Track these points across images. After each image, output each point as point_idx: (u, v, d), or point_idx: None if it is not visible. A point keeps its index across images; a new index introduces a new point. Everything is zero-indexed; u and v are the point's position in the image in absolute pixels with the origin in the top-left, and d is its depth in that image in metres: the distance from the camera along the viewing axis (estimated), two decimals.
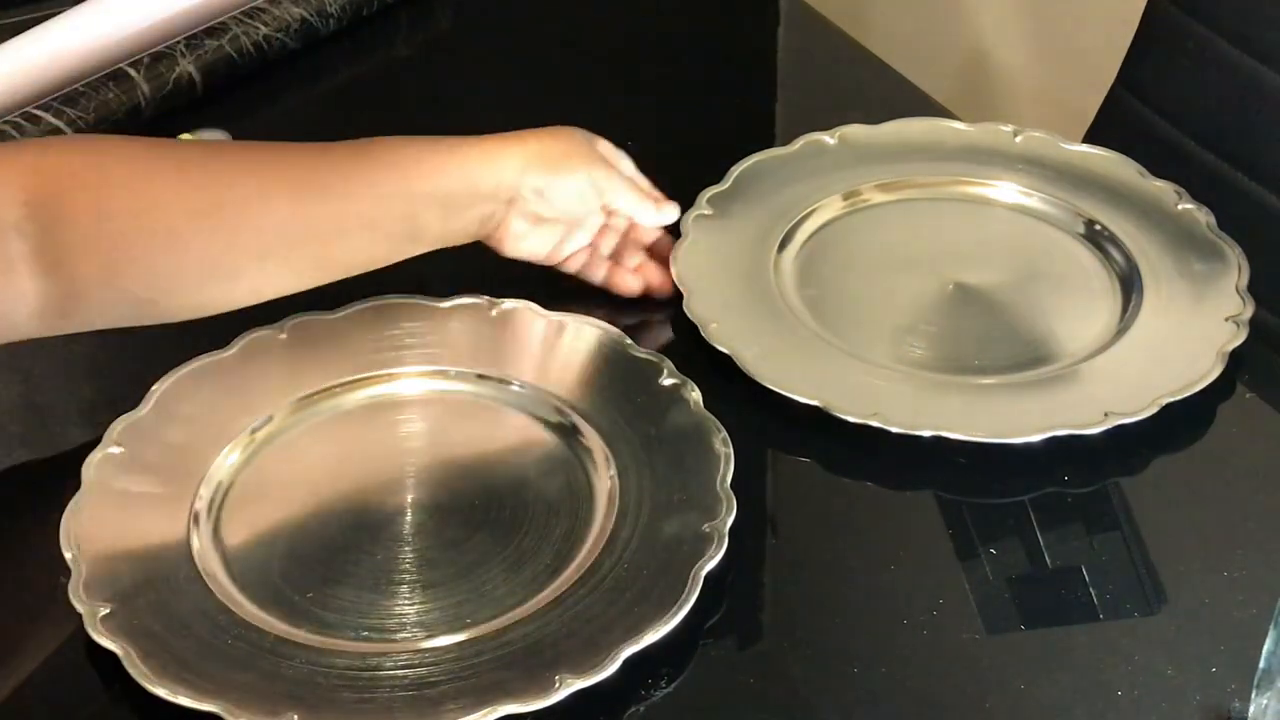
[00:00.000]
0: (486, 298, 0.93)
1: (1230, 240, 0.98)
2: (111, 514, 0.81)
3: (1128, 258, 0.97)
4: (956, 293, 0.96)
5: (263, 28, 1.16)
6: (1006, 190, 1.03)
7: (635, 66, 1.22)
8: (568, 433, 0.86)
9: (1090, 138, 1.27)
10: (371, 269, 0.87)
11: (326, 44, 1.20)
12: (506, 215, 0.89)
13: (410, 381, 0.90)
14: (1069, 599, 0.80)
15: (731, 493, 0.80)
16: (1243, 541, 0.82)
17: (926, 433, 0.84)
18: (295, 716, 0.70)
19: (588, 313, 0.92)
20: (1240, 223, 1.14)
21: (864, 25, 1.36)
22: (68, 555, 0.78)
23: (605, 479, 0.83)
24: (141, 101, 1.10)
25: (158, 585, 0.77)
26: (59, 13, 1.11)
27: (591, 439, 0.86)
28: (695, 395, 0.86)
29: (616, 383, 0.88)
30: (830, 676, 0.76)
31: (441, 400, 0.89)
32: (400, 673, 0.73)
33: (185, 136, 1.07)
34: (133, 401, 0.86)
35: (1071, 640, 0.77)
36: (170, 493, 0.82)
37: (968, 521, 0.84)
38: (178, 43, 1.13)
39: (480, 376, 0.90)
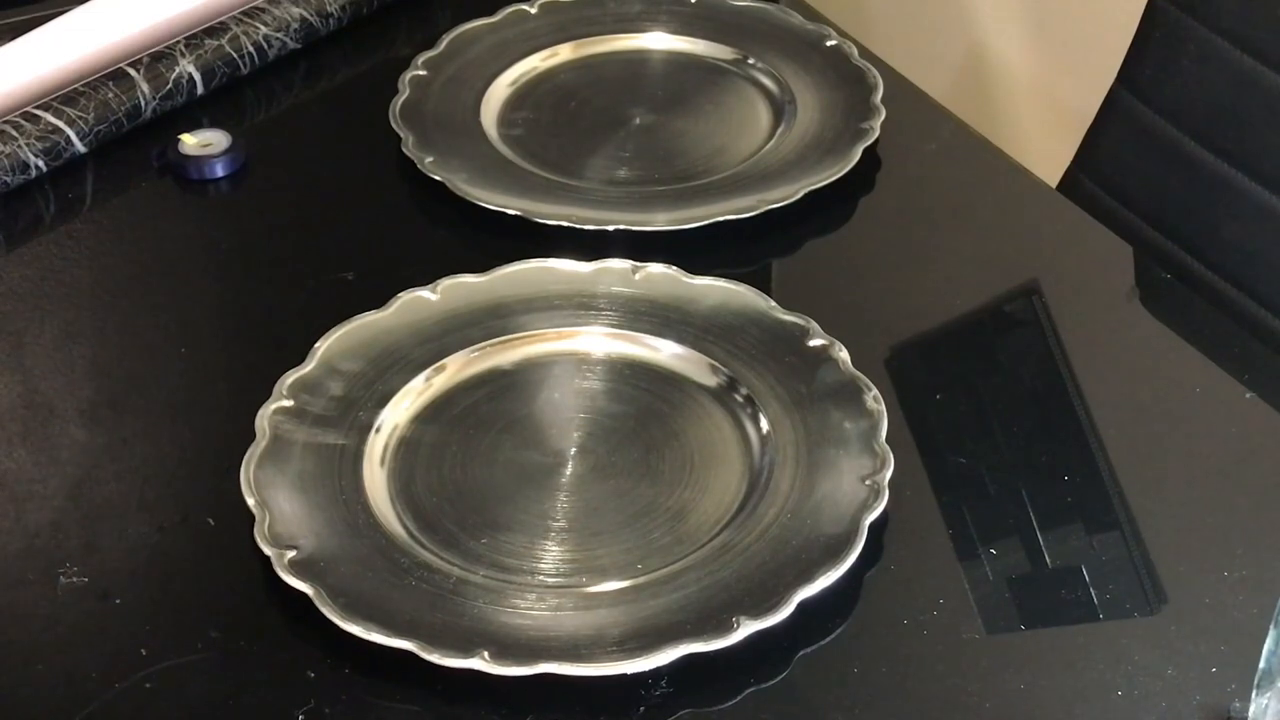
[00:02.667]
0: (631, 262, 0.95)
1: (872, 66, 1.13)
2: (288, 462, 0.84)
3: (779, 84, 1.15)
4: (640, 127, 1.12)
5: (263, 28, 1.16)
6: (663, 38, 1.21)
7: None
8: (721, 389, 0.89)
9: (1090, 138, 1.27)
10: None
11: (326, 44, 1.20)
12: None
13: (562, 341, 0.93)
14: (1069, 599, 0.80)
15: (888, 448, 0.82)
16: (1243, 541, 0.82)
17: (610, 227, 0.99)
18: (485, 654, 0.73)
19: (751, 268, 0.95)
20: (1240, 223, 1.15)
21: (864, 25, 1.36)
22: (250, 501, 0.80)
23: (760, 434, 0.86)
24: (141, 101, 1.10)
25: (338, 529, 0.80)
26: (59, 13, 1.11)
27: (744, 395, 0.88)
28: (844, 355, 0.89)
29: (764, 343, 0.91)
30: (831, 676, 0.76)
31: (594, 358, 0.92)
32: (581, 614, 0.76)
33: (185, 137, 1.08)
34: (297, 359, 0.89)
35: (1071, 640, 0.77)
36: (341, 441, 0.85)
37: (968, 521, 0.84)
38: (178, 43, 1.13)
39: (631, 335, 0.92)
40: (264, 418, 0.86)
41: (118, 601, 0.80)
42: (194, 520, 0.84)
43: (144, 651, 0.77)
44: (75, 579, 0.80)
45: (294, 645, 0.78)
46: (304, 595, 0.77)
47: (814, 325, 0.91)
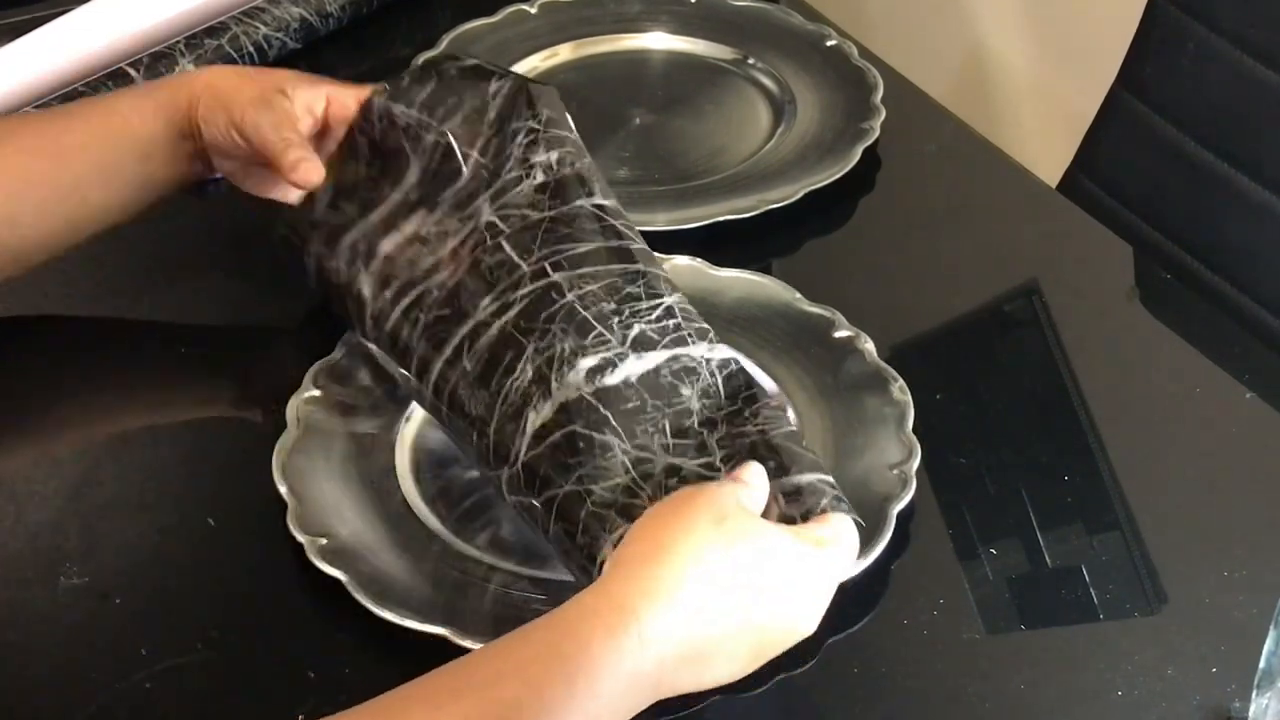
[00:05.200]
0: (657, 255, 0.94)
1: (872, 66, 1.13)
2: (318, 450, 0.83)
3: (779, 84, 1.15)
4: (640, 127, 1.13)
5: (263, 28, 1.16)
6: (663, 38, 1.21)
7: None
8: None
9: (1090, 138, 1.27)
10: (118, 221, 0.90)
11: (326, 44, 1.20)
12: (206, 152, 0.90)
13: None
14: (1069, 599, 0.80)
15: (915, 438, 0.82)
16: (1243, 541, 0.82)
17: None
18: None
19: (752, 268, 0.94)
20: (1240, 223, 1.15)
21: (864, 25, 1.36)
22: (282, 489, 0.80)
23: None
24: None
25: (369, 517, 0.80)
26: (59, 13, 1.11)
27: (770, 386, 0.88)
28: (869, 346, 0.89)
29: (790, 334, 0.90)
30: (831, 676, 0.76)
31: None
32: None
33: None
34: (327, 348, 0.89)
35: (1071, 640, 0.77)
36: (372, 429, 0.85)
37: (968, 521, 0.84)
38: (178, 43, 1.13)
39: None
40: (294, 407, 0.85)
41: (118, 601, 0.80)
42: (194, 520, 0.84)
43: (144, 651, 0.77)
44: (75, 579, 0.80)
45: (294, 645, 0.78)
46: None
47: (839, 317, 0.91)
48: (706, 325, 0.78)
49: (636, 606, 0.63)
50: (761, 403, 0.75)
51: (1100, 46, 1.32)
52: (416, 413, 0.87)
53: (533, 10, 1.20)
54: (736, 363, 0.77)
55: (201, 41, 1.13)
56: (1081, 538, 0.83)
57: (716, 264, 0.96)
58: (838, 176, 1.03)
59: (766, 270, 0.99)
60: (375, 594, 0.76)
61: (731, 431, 0.74)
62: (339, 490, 0.82)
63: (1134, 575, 0.81)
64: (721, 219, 1.00)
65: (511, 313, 0.78)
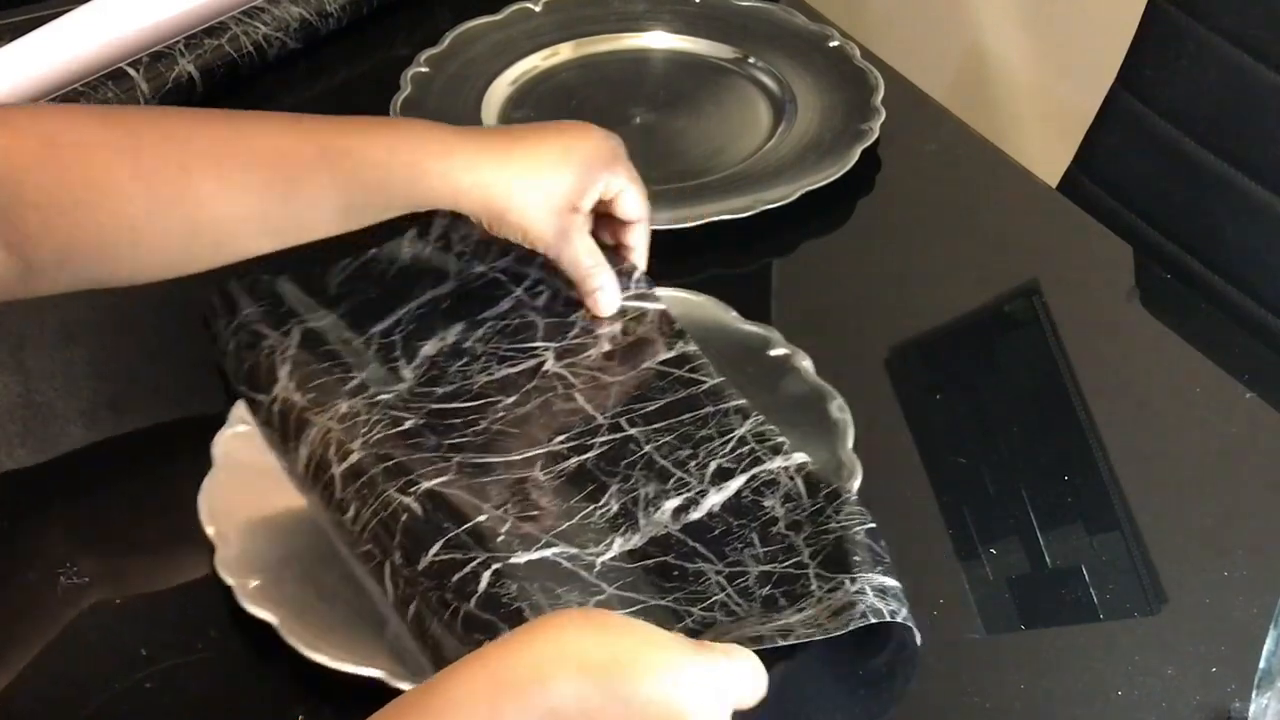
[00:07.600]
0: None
1: (873, 68, 1.14)
2: (245, 490, 0.81)
3: (779, 83, 1.15)
4: (640, 126, 1.13)
5: (263, 28, 1.16)
6: (664, 38, 1.21)
7: None
8: None
9: (1090, 138, 1.27)
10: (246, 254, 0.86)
11: (326, 44, 1.20)
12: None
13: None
14: (1069, 599, 0.80)
15: (856, 457, 0.82)
16: (1243, 541, 0.82)
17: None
18: None
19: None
20: (1240, 223, 1.15)
21: (864, 25, 1.36)
22: (209, 531, 0.78)
23: None
24: (141, 101, 1.10)
25: (301, 556, 0.78)
26: (59, 13, 1.11)
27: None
28: (806, 364, 0.88)
29: (725, 354, 0.88)
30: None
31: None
32: None
33: None
34: None
35: (1071, 640, 0.77)
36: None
37: (968, 521, 0.84)
38: (177, 42, 1.13)
39: None
40: (218, 444, 0.83)
41: (118, 601, 0.80)
42: (194, 520, 0.84)
43: (144, 651, 0.77)
44: (75, 579, 0.80)
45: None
46: None
47: (776, 335, 0.90)
48: (782, 439, 0.80)
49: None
50: (844, 498, 0.77)
51: (1100, 46, 1.32)
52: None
53: (537, 8, 1.20)
54: (814, 463, 0.79)
55: (201, 41, 1.13)
56: (1081, 538, 0.83)
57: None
58: (835, 177, 1.04)
59: (767, 270, 1.00)
60: (311, 636, 0.73)
61: (816, 530, 0.76)
62: (271, 529, 0.80)
63: (1134, 575, 0.81)
64: (719, 218, 1.00)
65: (591, 454, 0.81)
